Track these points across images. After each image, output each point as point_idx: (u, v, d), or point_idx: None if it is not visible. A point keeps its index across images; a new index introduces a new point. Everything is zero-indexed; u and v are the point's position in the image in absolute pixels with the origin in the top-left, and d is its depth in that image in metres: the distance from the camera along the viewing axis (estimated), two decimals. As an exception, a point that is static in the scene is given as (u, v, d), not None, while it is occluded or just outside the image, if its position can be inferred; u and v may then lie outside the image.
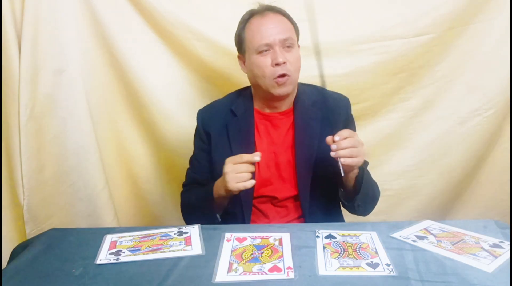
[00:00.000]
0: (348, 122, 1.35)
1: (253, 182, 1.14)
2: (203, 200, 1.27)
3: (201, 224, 1.14)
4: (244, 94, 1.36)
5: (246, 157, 1.15)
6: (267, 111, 1.32)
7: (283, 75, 1.22)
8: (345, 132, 1.11)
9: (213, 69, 1.62)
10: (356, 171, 1.19)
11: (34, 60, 1.42)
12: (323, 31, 1.55)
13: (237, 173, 1.14)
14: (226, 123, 1.31)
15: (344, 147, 1.10)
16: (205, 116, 1.36)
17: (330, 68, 1.62)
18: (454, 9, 1.59)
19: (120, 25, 1.55)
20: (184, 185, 1.41)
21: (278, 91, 1.24)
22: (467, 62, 1.67)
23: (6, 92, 1.42)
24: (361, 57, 1.62)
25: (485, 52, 1.65)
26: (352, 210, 1.29)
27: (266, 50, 1.22)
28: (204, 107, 1.38)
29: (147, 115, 1.66)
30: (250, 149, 1.27)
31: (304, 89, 1.35)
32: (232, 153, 1.23)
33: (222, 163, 1.17)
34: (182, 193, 1.40)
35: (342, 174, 1.14)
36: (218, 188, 1.21)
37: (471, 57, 1.66)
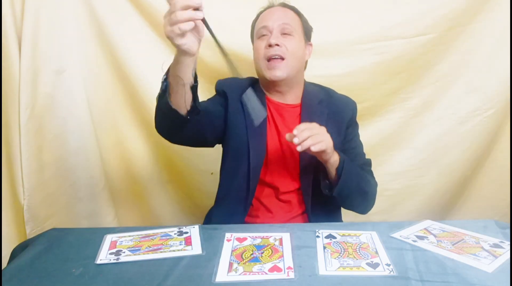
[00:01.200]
0: (352, 124, 1.35)
1: (191, 24, 0.91)
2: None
3: (161, 117, 1.04)
4: (258, 82, 1.38)
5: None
6: (276, 100, 1.33)
7: (275, 58, 1.23)
8: (301, 126, 1.12)
9: (214, 68, 1.62)
10: (336, 163, 1.19)
11: (34, 60, 1.42)
12: (324, 31, 1.57)
13: (174, 13, 0.91)
14: (240, 98, 1.28)
15: (305, 137, 1.10)
16: (225, 83, 1.35)
17: (330, 68, 1.63)
18: (454, 9, 1.59)
19: (120, 25, 1.55)
20: None
21: (269, 74, 1.25)
22: (467, 62, 1.67)
23: (7, 92, 1.42)
24: (361, 57, 1.63)
25: (485, 52, 1.65)
26: (340, 203, 1.29)
27: (264, 35, 1.26)
28: (225, 79, 1.37)
29: (147, 115, 1.66)
30: (263, 130, 1.28)
31: (312, 87, 1.36)
32: (247, 131, 1.26)
33: (234, 129, 1.20)
34: None
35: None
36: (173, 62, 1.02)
37: (471, 57, 1.67)
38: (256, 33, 1.30)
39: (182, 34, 0.93)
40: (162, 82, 1.03)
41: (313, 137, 1.11)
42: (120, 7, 1.55)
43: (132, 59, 1.58)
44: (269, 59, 1.25)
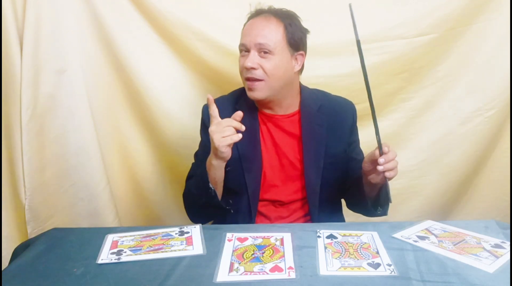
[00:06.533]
0: (353, 130, 1.35)
1: (240, 135, 1.13)
2: (198, 179, 1.24)
3: (201, 211, 1.17)
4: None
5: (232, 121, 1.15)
6: (268, 112, 1.32)
7: (251, 79, 1.21)
8: (390, 155, 1.11)
9: (215, 69, 1.62)
10: (377, 186, 1.19)
11: (35, 60, 1.42)
12: (324, 31, 1.57)
13: (223, 128, 1.13)
14: None
15: (391, 167, 1.10)
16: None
17: (331, 68, 1.63)
18: (455, 10, 1.59)
19: (122, 26, 1.55)
20: (186, 179, 1.37)
21: (249, 93, 1.24)
22: (468, 63, 1.67)
23: (8, 92, 1.42)
24: (362, 57, 1.62)
25: (486, 52, 1.65)
26: (373, 215, 1.27)
27: (245, 51, 1.23)
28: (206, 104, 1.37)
29: (148, 115, 1.67)
30: (257, 148, 1.28)
31: (309, 93, 1.34)
32: (238, 151, 1.25)
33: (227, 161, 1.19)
34: (184, 188, 1.37)
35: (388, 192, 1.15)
36: (209, 159, 1.19)
37: (472, 57, 1.66)
38: (239, 47, 1.26)
39: (230, 145, 1.13)
40: (209, 190, 1.20)
41: (396, 169, 1.11)
42: (121, 7, 1.54)
43: (134, 59, 1.58)
44: (248, 79, 1.23)
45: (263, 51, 1.20)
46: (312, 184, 1.28)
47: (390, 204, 1.22)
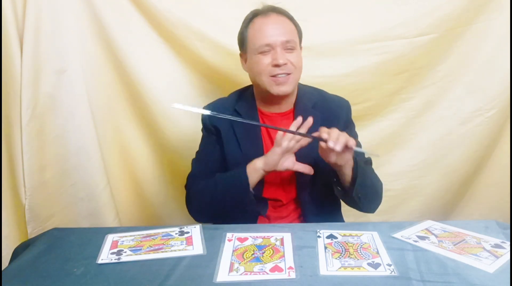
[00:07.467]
0: (348, 125, 1.34)
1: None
2: (232, 180, 1.25)
3: (224, 213, 1.20)
4: (246, 94, 1.36)
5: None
6: (268, 111, 1.32)
7: (282, 74, 1.22)
8: (323, 129, 1.13)
9: (215, 69, 1.62)
10: (351, 162, 1.18)
11: (35, 60, 1.42)
12: (325, 31, 1.57)
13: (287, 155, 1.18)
14: (231, 122, 1.29)
15: (336, 136, 1.10)
16: (213, 116, 1.33)
17: (332, 68, 1.63)
18: (455, 10, 1.59)
19: (122, 26, 1.55)
20: (190, 176, 1.35)
21: (276, 89, 1.24)
22: (468, 62, 1.67)
23: (8, 92, 1.42)
24: (362, 57, 1.62)
25: (487, 52, 1.65)
26: (356, 205, 1.26)
27: (267, 51, 1.23)
28: (209, 105, 1.36)
29: (148, 115, 1.67)
30: (259, 148, 1.28)
31: (304, 90, 1.34)
32: (242, 153, 1.26)
33: (231, 160, 1.22)
34: (190, 186, 1.34)
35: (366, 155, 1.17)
36: (255, 164, 1.22)
37: (473, 57, 1.66)
38: (257, 48, 1.24)
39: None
40: (249, 194, 1.23)
41: (342, 134, 1.11)
42: (121, 7, 1.54)
43: (134, 58, 1.58)
44: (274, 76, 1.23)
45: (288, 48, 1.23)
46: (302, 179, 1.28)
47: (375, 158, 1.28)
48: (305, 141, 1.19)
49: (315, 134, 1.14)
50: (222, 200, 1.24)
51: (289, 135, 1.17)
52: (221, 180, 1.27)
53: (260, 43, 1.23)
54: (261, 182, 1.27)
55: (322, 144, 1.12)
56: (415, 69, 1.67)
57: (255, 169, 1.21)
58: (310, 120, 1.16)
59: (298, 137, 1.17)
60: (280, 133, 1.17)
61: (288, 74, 1.23)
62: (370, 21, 1.61)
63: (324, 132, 1.12)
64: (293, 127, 1.15)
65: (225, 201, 1.24)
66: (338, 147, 1.08)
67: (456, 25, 1.61)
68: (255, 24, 1.26)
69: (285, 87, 1.24)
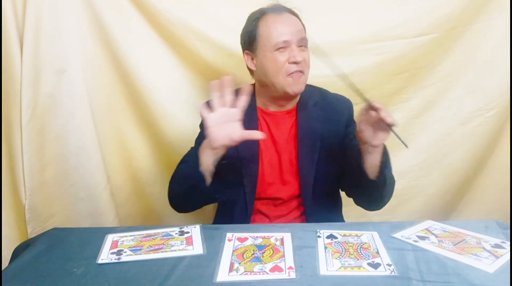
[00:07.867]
0: (351, 123, 1.34)
1: (237, 139, 1.10)
2: (190, 162, 1.21)
3: (186, 196, 1.19)
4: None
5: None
6: (270, 109, 1.32)
7: (298, 72, 1.22)
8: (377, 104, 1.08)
9: (215, 69, 1.62)
10: (382, 146, 1.15)
11: (35, 60, 1.42)
12: (325, 31, 1.57)
13: (225, 123, 1.09)
14: None
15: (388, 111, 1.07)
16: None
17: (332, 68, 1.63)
18: (455, 10, 1.58)
19: (122, 26, 1.55)
20: (178, 164, 1.33)
21: (293, 88, 1.23)
22: (468, 62, 1.67)
23: (8, 92, 1.42)
24: (362, 57, 1.62)
25: (487, 52, 1.65)
26: (370, 197, 1.23)
27: (283, 47, 1.22)
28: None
29: (148, 115, 1.66)
30: (255, 149, 1.28)
31: (307, 90, 1.34)
32: (237, 150, 1.24)
33: (226, 160, 1.18)
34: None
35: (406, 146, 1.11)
36: (204, 145, 1.15)
37: (473, 57, 1.66)
38: (273, 45, 1.22)
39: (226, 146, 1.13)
40: (198, 173, 1.15)
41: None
42: (121, 7, 1.54)
43: (134, 59, 1.58)
44: (290, 74, 1.22)
45: (302, 45, 1.24)
46: (305, 176, 1.28)
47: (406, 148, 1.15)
48: (241, 105, 1.12)
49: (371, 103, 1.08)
50: (182, 178, 1.23)
51: (215, 102, 1.09)
52: (182, 160, 1.28)
53: (277, 40, 1.21)
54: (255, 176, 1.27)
55: (372, 113, 1.07)
56: (415, 69, 1.66)
57: (203, 147, 1.15)
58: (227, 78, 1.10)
59: (227, 102, 1.10)
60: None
61: (302, 72, 1.23)
62: (370, 21, 1.61)
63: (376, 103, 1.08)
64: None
65: (184, 178, 1.22)
66: (390, 119, 1.06)
67: (456, 25, 1.61)
68: (268, 22, 1.25)
69: (300, 86, 1.24)
